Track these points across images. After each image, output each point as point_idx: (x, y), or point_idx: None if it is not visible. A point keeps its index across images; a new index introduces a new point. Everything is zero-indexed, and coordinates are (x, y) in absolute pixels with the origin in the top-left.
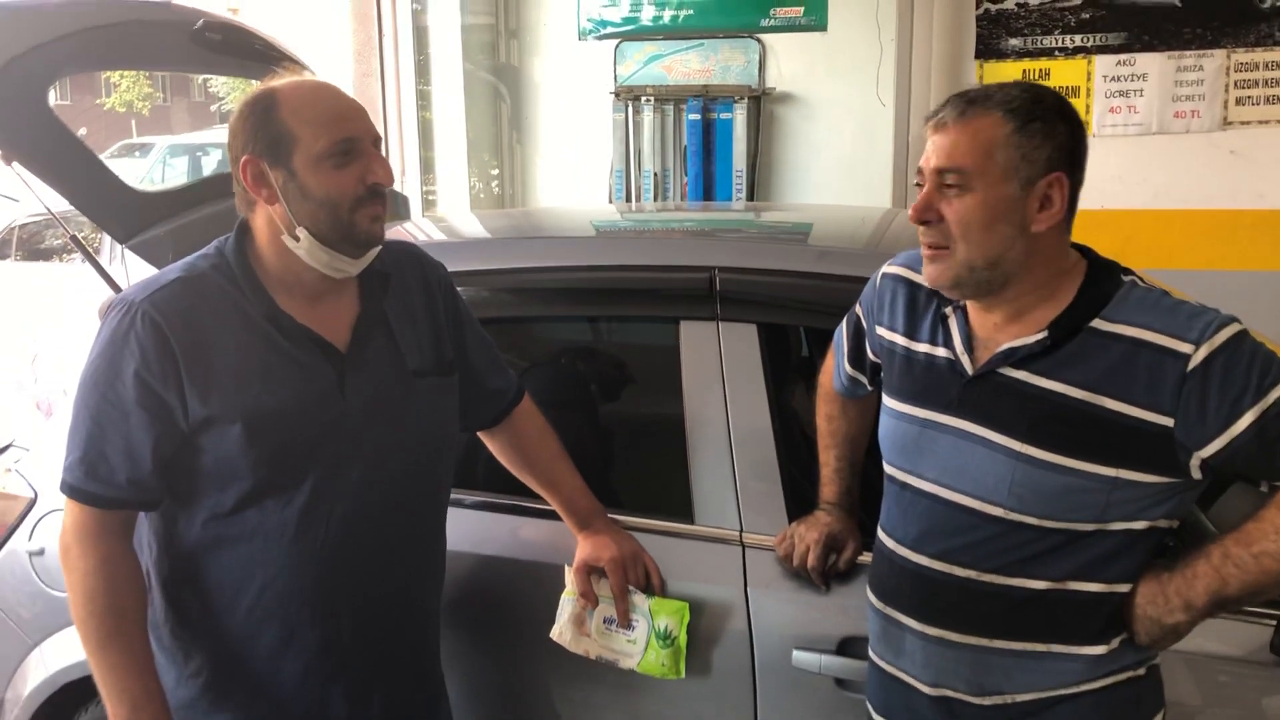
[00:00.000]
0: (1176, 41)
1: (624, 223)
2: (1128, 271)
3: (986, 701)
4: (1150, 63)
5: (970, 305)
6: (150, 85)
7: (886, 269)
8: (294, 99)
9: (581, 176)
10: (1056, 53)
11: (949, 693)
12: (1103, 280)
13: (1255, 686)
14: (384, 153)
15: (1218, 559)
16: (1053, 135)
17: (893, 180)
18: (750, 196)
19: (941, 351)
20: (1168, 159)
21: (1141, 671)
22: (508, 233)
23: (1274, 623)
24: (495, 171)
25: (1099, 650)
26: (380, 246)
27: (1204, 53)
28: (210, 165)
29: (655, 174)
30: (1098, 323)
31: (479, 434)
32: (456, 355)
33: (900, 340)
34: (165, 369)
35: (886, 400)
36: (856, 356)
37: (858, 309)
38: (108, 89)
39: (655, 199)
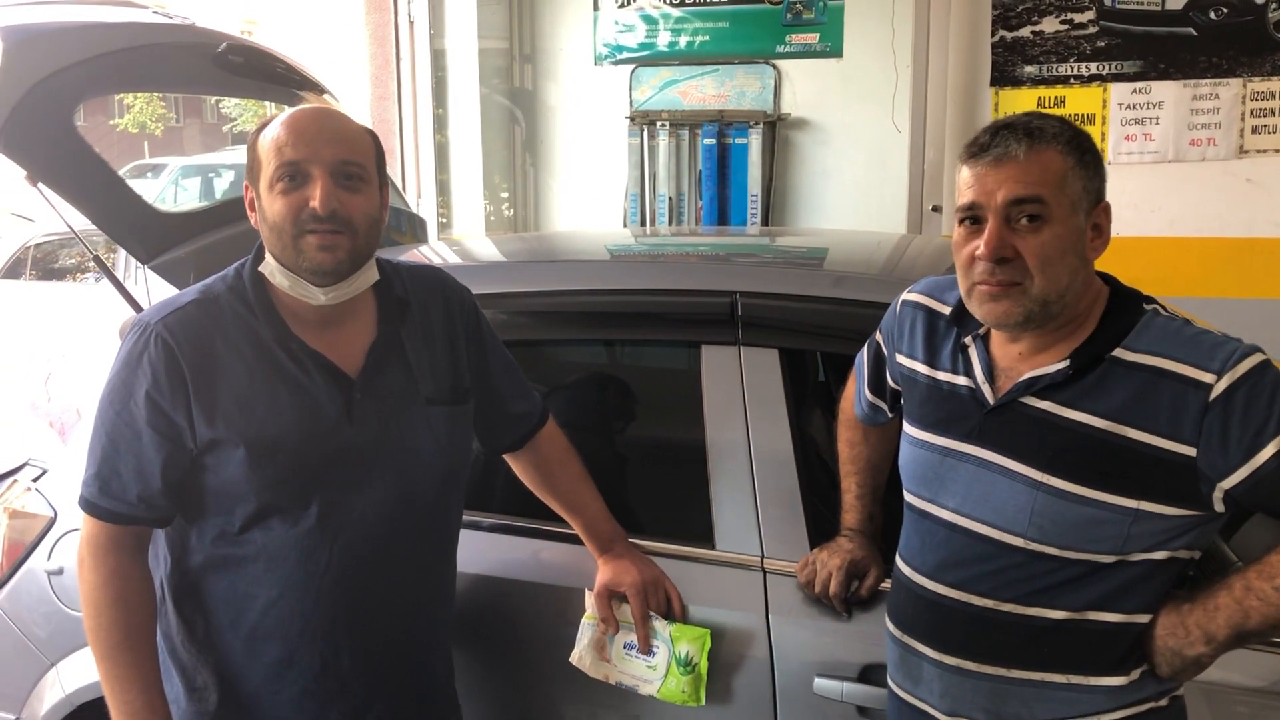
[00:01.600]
0: (1192, 70)
1: (643, 246)
2: (1150, 300)
3: None
4: (1166, 91)
5: (995, 335)
6: (163, 106)
7: (906, 296)
8: (274, 125)
9: (596, 200)
10: (1072, 80)
11: None
12: (1125, 309)
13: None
14: (398, 174)
15: (1240, 591)
16: (1099, 166)
17: (907, 206)
18: (765, 221)
19: (963, 380)
20: (1183, 187)
21: (1164, 703)
22: (527, 256)
23: None
24: (507, 195)
25: (1119, 681)
26: (360, 277)
27: (1220, 81)
28: (223, 187)
29: (670, 198)
30: (1119, 352)
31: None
32: (479, 380)
33: (921, 368)
34: (175, 390)
35: (907, 428)
36: (877, 383)
37: (878, 336)
38: (120, 110)
39: (670, 223)
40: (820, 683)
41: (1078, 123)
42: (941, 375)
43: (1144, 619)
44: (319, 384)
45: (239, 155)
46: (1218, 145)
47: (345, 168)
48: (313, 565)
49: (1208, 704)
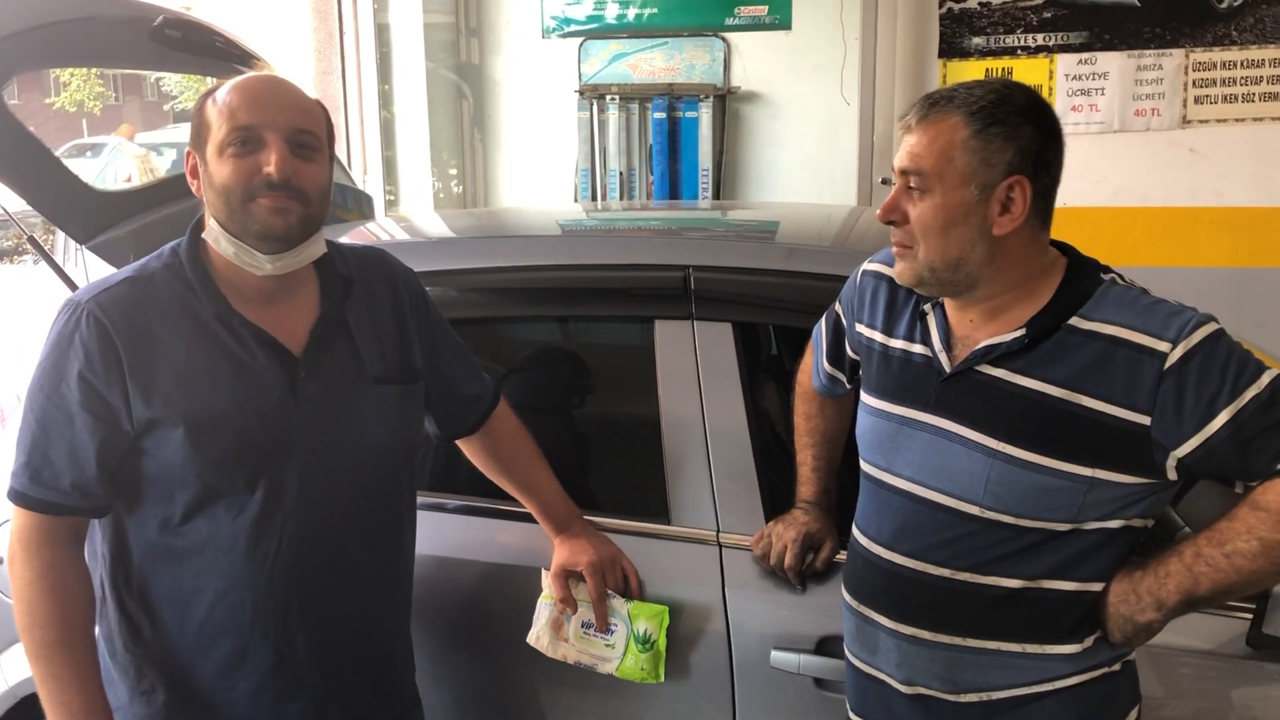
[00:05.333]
0: (1136, 41)
1: (595, 221)
2: (1107, 269)
3: (963, 699)
4: (1111, 61)
5: (948, 303)
6: (101, 84)
7: (867, 266)
8: (224, 90)
9: (546, 176)
10: (1019, 52)
11: (924, 691)
12: (1081, 278)
13: (1228, 679)
14: (343, 151)
15: (1190, 557)
16: (1015, 138)
17: (857, 179)
18: (716, 195)
19: (919, 349)
20: (1128, 157)
21: (1117, 667)
22: (477, 231)
23: (1249, 617)
24: (455, 171)
25: (1073, 648)
26: (308, 247)
27: (1163, 52)
28: (165, 165)
29: (621, 173)
30: (1076, 321)
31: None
32: (428, 364)
33: (878, 337)
34: (109, 370)
35: (864, 397)
36: (836, 354)
37: (837, 306)
38: (57, 88)
39: (621, 198)
40: (777, 655)
41: None
42: (899, 344)
43: (1097, 587)
44: (262, 361)
45: (181, 134)
46: (1161, 115)
47: (300, 136)
48: (261, 554)
49: (1162, 666)
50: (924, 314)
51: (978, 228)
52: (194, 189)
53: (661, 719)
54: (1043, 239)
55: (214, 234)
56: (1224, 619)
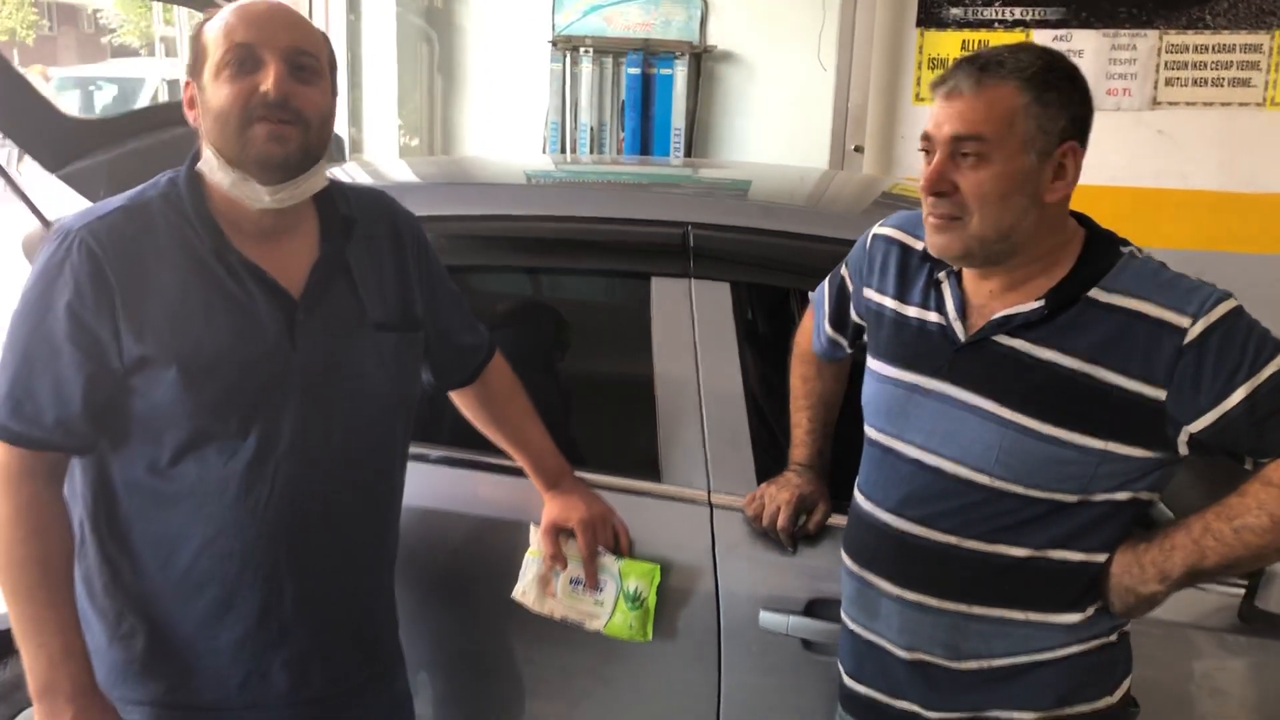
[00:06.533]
0: (1112, 20)
1: (587, 174)
2: (1125, 243)
3: (963, 666)
4: (1086, 39)
5: (966, 272)
6: (36, 12)
7: (878, 230)
8: (225, 12)
9: (513, 127)
10: (996, 25)
11: (925, 657)
12: (1101, 250)
13: (1219, 653)
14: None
15: (1198, 531)
16: (1067, 105)
17: (830, 145)
18: (688, 154)
19: (933, 316)
20: (1098, 136)
21: (1114, 638)
22: (461, 179)
23: (1241, 592)
24: (418, 119)
25: (1075, 618)
26: (309, 179)
27: (1138, 32)
28: (104, 101)
29: (591, 128)
30: (1095, 293)
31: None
32: (427, 312)
33: (890, 303)
34: (100, 302)
35: (872, 363)
36: (839, 318)
37: (843, 269)
38: None
39: (591, 153)
40: (766, 616)
41: None
42: (911, 311)
43: (1102, 558)
44: (259, 302)
45: (120, 69)
46: (1133, 95)
47: (299, 57)
48: (253, 501)
49: (1145, 640)
50: (938, 281)
51: (1031, 195)
52: (191, 119)
53: (646, 677)
54: (1068, 207)
55: (210, 164)
56: (1216, 594)
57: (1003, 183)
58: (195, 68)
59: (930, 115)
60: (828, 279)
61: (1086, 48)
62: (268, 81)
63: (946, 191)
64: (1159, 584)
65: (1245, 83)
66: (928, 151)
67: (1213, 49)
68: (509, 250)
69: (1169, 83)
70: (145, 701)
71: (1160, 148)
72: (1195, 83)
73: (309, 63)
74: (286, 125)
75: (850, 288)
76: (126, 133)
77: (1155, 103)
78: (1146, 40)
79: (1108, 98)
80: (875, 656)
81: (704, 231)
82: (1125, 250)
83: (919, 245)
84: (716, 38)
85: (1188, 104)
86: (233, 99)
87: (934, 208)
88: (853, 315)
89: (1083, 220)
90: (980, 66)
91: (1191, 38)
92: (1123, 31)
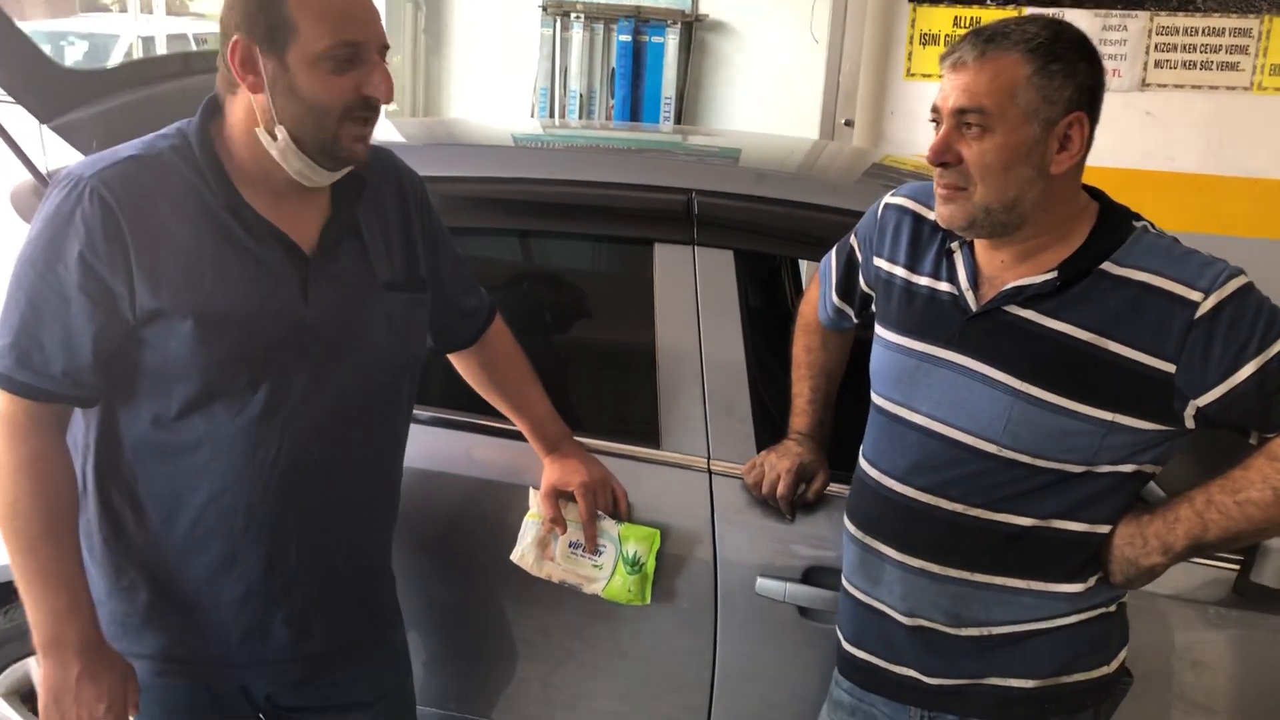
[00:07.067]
0: (1103, 0)
1: (594, 139)
2: (1138, 217)
3: (964, 633)
4: (1078, 19)
5: (979, 243)
6: None
7: (890, 200)
8: None
9: (501, 92)
10: (988, 1)
11: (926, 623)
12: (1115, 224)
13: (1215, 626)
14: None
15: (1201, 504)
16: (1074, 75)
17: (820, 117)
18: (678, 123)
19: (945, 286)
20: None
21: (1112, 609)
22: (461, 139)
23: (1237, 568)
24: (404, 81)
25: (1076, 588)
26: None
27: (1129, 13)
28: (75, 55)
29: (581, 94)
30: (1108, 266)
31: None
32: (431, 272)
33: (900, 272)
34: (113, 253)
35: (881, 332)
36: (846, 288)
37: (852, 239)
38: None
39: (580, 119)
40: (763, 583)
41: None
42: (923, 280)
43: (1105, 529)
44: (273, 258)
45: (92, 24)
46: (1122, 76)
47: (384, 51)
48: (262, 456)
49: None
50: (950, 251)
51: (1036, 166)
52: (245, 83)
53: (643, 640)
54: (1080, 180)
55: (281, 146)
56: (1212, 568)
57: (1005, 153)
58: (272, 38)
59: (939, 88)
60: (835, 248)
61: (1078, 27)
62: (376, 85)
63: (951, 162)
64: (1161, 555)
65: (1233, 66)
66: (937, 123)
67: (1202, 32)
68: (509, 213)
69: (1158, 65)
70: (146, 655)
71: (1148, 129)
72: (1184, 65)
73: (384, 55)
74: (370, 124)
75: (860, 257)
76: (119, 85)
77: (1144, 84)
78: (1137, 21)
79: None
80: (876, 622)
81: (708, 199)
82: (1139, 225)
83: (931, 215)
84: (708, 6)
85: (1176, 86)
86: (336, 95)
87: (940, 178)
88: (861, 285)
89: (1096, 194)
90: (986, 38)
91: (1182, 20)
92: (1114, 12)
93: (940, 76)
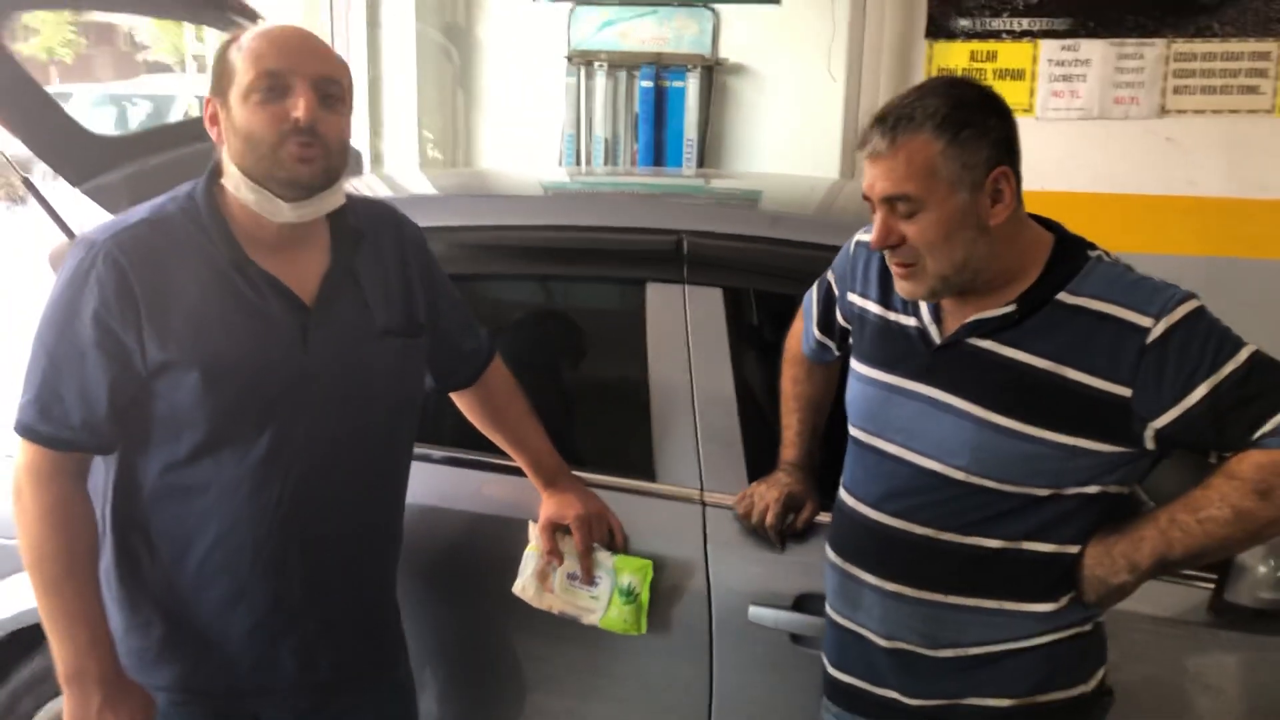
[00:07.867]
0: (1119, 29)
1: (588, 184)
2: (1094, 247)
3: (940, 654)
4: (1094, 49)
5: None
6: (73, 31)
7: (860, 237)
8: (249, 36)
9: (530, 140)
10: (1004, 35)
11: (903, 645)
12: (1069, 255)
13: (1190, 645)
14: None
15: (1164, 523)
16: (986, 133)
17: (841, 155)
18: (700, 165)
19: (911, 321)
20: (1107, 144)
21: (1088, 627)
22: (469, 190)
23: (1212, 586)
24: (439, 133)
25: (1048, 607)
26: (329, 196)
27: (1145, 41)
28: (139, 117)
29: (606, 140)
30: (1063, 296)
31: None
32: (429, 317)
33: (873, 307)
34: (125, 310)
35: (855, 365)
36: (826, 322)
37: (829, 275)
38: (26, 34)
39: (606, 164)
40: (755, 611)
41: (1005, 79)
42: (891, 315)
43: (1074, 549)
44: (274, 309)
45: (153, 85)
46: (1140, 104)
47: (326, 85)
48: (266, 498)
49: (1118, 632)
50: None
51: (975, 226)
52: (213, 136)
53: (640, 669)
54: (1023, 215)
55: (235, 181)
56: (1186, 587)
57: (943, 226)
58: (220, 87)
59: (864, 175)
60: (815, 284)
61: (1094, 57)
62: (299, 109)
63: (896, 244)
64: (1129, 574)
65: (1254, 90)
66: (872, 206)
67: (1221, 57)
68: (513, 259)
69: (1177, 91)
70: (161, 687)
71: (1168, 155)
72: (1203, 90)
73: (334, 90)
74: (313, 148)
75: (836, 292)
76: (146, 148)
77: (1163, 111)
78: (1154, 49)
79: (1115, 106)
80: (858, 646)
81: (697, 239)
82: (1093, 254)
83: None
84: (728, 51)
85: (1195, 112)
86: (265, 123)
87: (891, 258)
88: (839, 319)
89: (1051, 226)
90: (891, 125)
91: (1199, 46)
92: (1129, 41)
93: None
